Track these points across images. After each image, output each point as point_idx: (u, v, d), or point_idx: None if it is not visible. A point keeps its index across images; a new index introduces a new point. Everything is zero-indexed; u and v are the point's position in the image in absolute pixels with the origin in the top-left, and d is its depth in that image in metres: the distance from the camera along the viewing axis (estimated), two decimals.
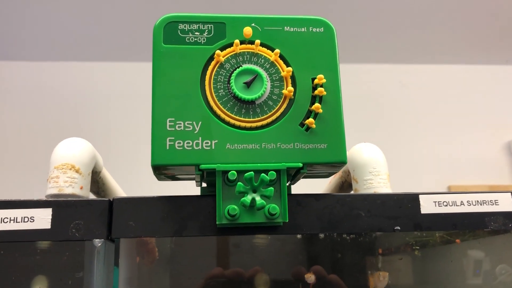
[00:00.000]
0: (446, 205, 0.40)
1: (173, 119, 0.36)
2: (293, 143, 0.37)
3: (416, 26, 1.45)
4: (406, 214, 0.40)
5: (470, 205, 0.41)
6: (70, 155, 0.41)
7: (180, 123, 0.36)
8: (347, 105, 0.41)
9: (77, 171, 0.41)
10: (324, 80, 0.38)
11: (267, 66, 0.38)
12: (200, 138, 0.36)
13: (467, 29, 1.48)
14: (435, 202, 0.40)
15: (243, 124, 0.37)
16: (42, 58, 1.50)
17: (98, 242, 0.36)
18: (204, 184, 0.41)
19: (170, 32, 0.38)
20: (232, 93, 0.37)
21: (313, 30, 0.39)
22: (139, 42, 1.40)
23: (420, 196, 0.41)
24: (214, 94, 0.37)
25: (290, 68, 0.38)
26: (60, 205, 0.37)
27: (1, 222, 0.36)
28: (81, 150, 0.42)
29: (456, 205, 0.41)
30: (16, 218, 0.36)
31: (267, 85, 0.37)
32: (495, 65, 1.73)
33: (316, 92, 0.38)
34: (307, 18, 0.39)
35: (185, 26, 0.38)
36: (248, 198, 0.34)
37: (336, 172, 0.41)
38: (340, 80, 0.39)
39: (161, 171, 0.37)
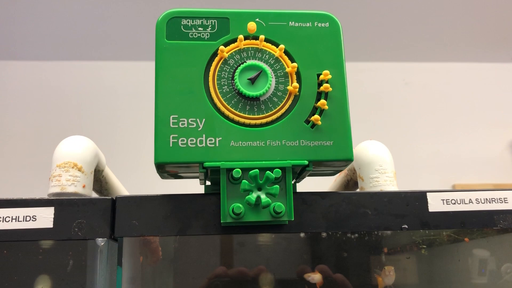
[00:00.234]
0: (454, 203, 0.40)
1: (177, 116, 0.35)
2: (299, 140, 0.36)
3: (419, 24, 1.44)
4: (413, 213, 0.39)
5: (479, 203, 0.40)
6: (72, 153, 0.41)
7: (184, 120, 0.35)
8: (349, 103, 0.41)
9: (79, 170, 0.40)
10: (330, 76, 0.37)
11: (272, 62, 0.37)
12: (204, 135, 0.35)
13: (471, 27, 1.47)
14: (443, 200, 0.40)
15: (247, 121, 0.36)
16: (45, 58, 1.50)
17: (101, 241, 0.36)
18: (208, 182, 0.40)
19: (173, 27, 0.37)
20: (236, 89, 0.36)
21: (319, 25, 0.39)
22: (142, 41, 1.40)
23: (428, 194, 0.40)
24: (218, 91, 0.36)
25: (295, 64, 0.37)
26: (63, 204, 0.36)
27: (3, 221, 0.35)
28: (84, 148, 0.42)
29: (465, 203, 0.40)
30: (18, 217, 0.35)
31: (272, 81, 0.37)
32: (499, 62, 1.72)
33: (321, 88, 0.37)
34: (312, 13, 0.39)
35: (188, 22, 0.37)
36: (253, 196, 0.34)
37: (342, 170, 0.40)
38: (346, 76, 0.38)
39: (165, 169, 0.36)
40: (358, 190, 0.49)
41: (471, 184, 1.66)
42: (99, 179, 0.47)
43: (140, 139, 1.36)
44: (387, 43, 1.56)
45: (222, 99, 0.36)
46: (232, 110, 0.36)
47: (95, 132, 1.39)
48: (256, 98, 0.36)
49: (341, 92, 0.38)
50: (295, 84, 0.37)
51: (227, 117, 0.36)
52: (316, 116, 0.36)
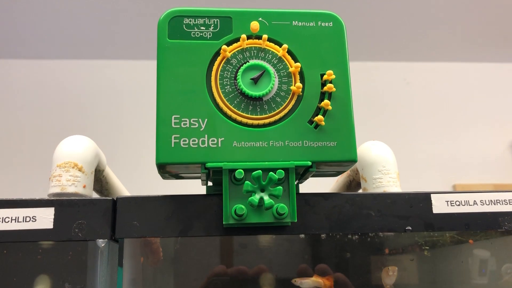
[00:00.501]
0: (459, 205, 0.39)
1: (178, 116, 0.35)
2: (302, 141, 0.36)
3: (421, 23, 1.44)
4: (417, 214, 0.39)
5: (483, 204, 0.40)
6: (73, 153, 0.40)
7: (186, 120, 0.35)
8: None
9: (80, 170, 0.40)
10: (334, 76, 0.37)
11: (275, 62, 0.37)
12: (206, 135, 0.35)
13: (472, 27, 1.46)
14: (447, 201, 0.39)
15: (250, 121, 0.36)
16: (45, 56, 1.49)
17: (101, 242, 0.35)
18: (209, 183, 0.40)
19: (175, 26, 0.37)
20: (239, 89, 0.36)
21: (322, 24, 0.38)
22: (144, 39, 1.39)
23: (432, 195, 0.40)
24: (220, 91, 0.36)
25: (298, 64, 0.37)
26: (63, 204, 0.36)
27: (2, 222, 0.35)
28: (84, 148, 0.41)
29: (469, 205, 0.39)
30: (18, 217, 0.35)
31: (275, 81, 0.36)
32: (500, 63, 1.71)
33: (325, 88, 0.37)
34: (315, 12, 0.38)
35: (190, 21, 0.37)
36: (256, 198, 0.33)
37: (345, 171, 0.40)
38: (350, 76, 0.38)
39: (166, 169, 0.36)
40: (360, 191, 0.49)
41: (471, 184, 1.65)
42: (100, 179, 0.47)
43: (141, 139, 1.36)
44: (388, 42, 1.55)
45: (224, 99, 0.36)
46: (235, 110, 0.36)
47: (96, 132, 1.39)
48: (259, 98, 0.36)
49: (345, 92, 0.37)
50: (299, 84, 0.36)
51: (229, 117, 0.36)
52: (320, 117, 0.36)
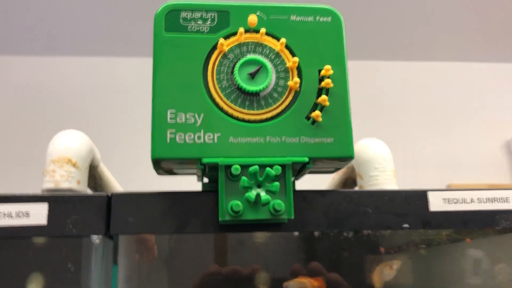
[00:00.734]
0: (456, 202, 0.39)
1: (174, 110, 0.35)
2: (299, 137, 0.35)
3: (417, 23, 1.44)
4: (414, 211, 0.39)
5: (481, 202, 0.39)
6: (67, 148, 0.40)
7: (181, 115, 0.35)
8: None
9: (74, 165, 0.39)
10: (331, 72, 0.36)
11: (272, 57, 0.37)
12: (202, 131, 0.35)
13: (467, 27, 1.47)
14: (444, 199, 0.39)
15: (247, 117, 0.35)
16: (39, 53, 1.48)
17: (96, 238, 0.35)
18: (205, 180, 0.39)
19: (172, 20, 0.36)
20: (235, 84, 0.36)
21: (320, 19, 0.38)
22: (137, 36, 1.38)
23: (429, 193, 0.39)
24: (217, 85, 0.35)
25: (296, 59, 0.36)
26: (57, 200, 0.35)
27: None
28: (78, 143, 0.41)
29: (466, 202, 0.39)
30: (11, 213, 0.34)
31: (272, 76, 0.36)
32: (496, 62, 1.72)
33: (322, 84, 0.36)
34: (314, 7, 0.38)
35: (187, 14, 0.37)
36: (252, 194, 0.33)
37: (342, 168, 0.39)
38: (348, 72, 0.37)
39: (161, 165, 0.35)
40: (357, 188, 0.49)
41: (465, 184, 1.66)
42: (94, 175, 0.46)
43: (136, 136, 1.35)
44: (383, 42, 1.55)
45: (221, 94, 0.35)
46: (231, 105, 0.35)
47: (89, 128, 1.38)
48: (256, 94, 0.36)
49: (342, 88, 0.37)
50: (296, 79, 0.36)
51: (226, 113, 0.35)
52: (317, 112, 0.35)
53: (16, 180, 1.28)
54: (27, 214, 0.34)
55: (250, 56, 0.36)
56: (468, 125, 1.69)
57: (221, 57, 0.36)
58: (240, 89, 0.35)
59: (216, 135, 0.35)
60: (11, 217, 0.34)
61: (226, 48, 0.36)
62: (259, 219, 0.34)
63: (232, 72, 0.36)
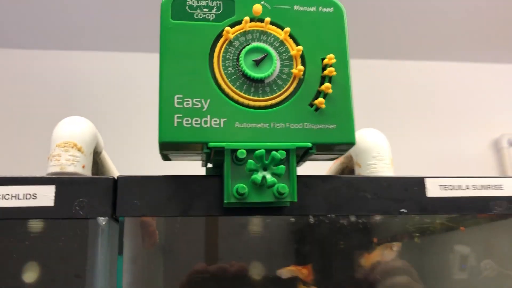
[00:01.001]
0: (452, 189, 0.41)
1: (181, 96, 0.35)
2: (303, 123, 0.36)
3: (406, 23, 1.46)
4: (411, 197, 0.40)
5: (475, 189, 0.41)
6: (72, 133, 0.40)
7: (188, 100, 0.35)
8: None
9: (79, 150, 0.40)
10: (334, 60, 0.37)
11: (277, 45, 0.38)
12: (208, 116, 0.35)
13: (454, 27, 1.49)
14: (440, 185, 0.40)
15: (252, 103, 0.36)
16: (44, 47, 1.48)
17: (102, 220, 0.35)
18: (209, 165, 0.40)
19: (178, 7, 0.37)
20: (241, 71, 0.36)
21: (323, 10, 0.39)
22: (135, 31, 1.38)
23: (426, 179, 0.41)
24: (223, 72, 0.36)
25: (300, 47, 0.37)
26: (64, 182, 0.36)
27: (2, 199, 0.35)
28: (83, 128, 0.41)
29: (462, 189, 0.41)
30: (18, 195, 0.35)
31: (277, 63, 0.37)
32: (483, 63, 1.75)
33: (325, 72, 0.37)
34: None
35: (193, 2, 0.37)
36: (259, 176, 0.34)
37: (343, 154, 0.40)
38: (349, 61, 0.38)
39: (168, 148, 0.36)
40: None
41: None
42: (96, 162, 0.47)
43: (138, 123, 1.36)
44: (374, 40, 1.57)
45: (227, 80, 0.36)
46: (237, 91, 0.36)
47: (93, 116, 1.37)
48: (261, 80, 0.37)
49: (344, 76, 0.38)
50: (300, 67, 0.37)
51: (231, 98, 0.36)
52: (320, 99, 0.36)
53: (20, 165, 1.28)
54: (34, 196, 0.35)
55: (255, 44, 0.37)
56: (456, 124, 1.72)
57: (227, 44, 0.37)
58: (245, 75, 0.36)
59: (222, 120, 0.35)
60: (19, 198, 0.35)
61: (231, 36, 0.37)
62: (263, 202, 0.35)
63: (238, 59, 0.37)
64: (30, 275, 0.37)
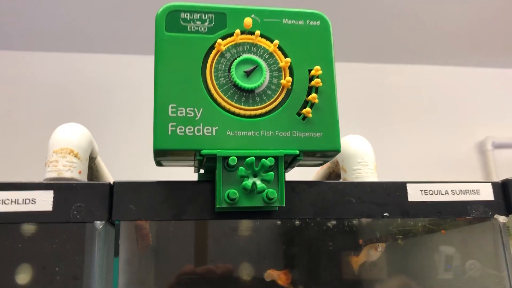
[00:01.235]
0: (432, 194, 0.43)
1: (175, 105, 0.37)
2: (291, 131, 0.38)
3: (392, 27, 1.49)
4: (394, 202, 0.42)
5: (454, 194, 0.43)
6: (69, 139, 0.42)
7: (182, 109, 0.37)
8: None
9: (75, 156, 0.41)
10: (321, 72, 0.39)
11: (266, 57, 0.39)
12: (201, 124, 0.37)
13: (439, 32, 1.52)
14: (421, 190, 0.43)
15: (242, 112, 0.38)
16: (42, 49, 1.48)
17: (99, 224, 0.37)
18: (201, 171, 0.42)
19: (172, 20, 0.39)
20: (232, 81, 0.38)
21: (310, 23, 0.41)
22: (133, 34, 1.40)
23: (408, 184, 0.43)
24: (215, 82, 0.38)
25: (288, 59, 0.39)
26: (62, 188, 0.37)
27: (2, 204, 0.36)
28: (80, 135, 0.43)
29: (441, 194, 0.43)
30: (18, 199, 0.36)
31: (266, 74, 0.39)
32: (468, 66, 1.78)
33: (312, 83, 0.39)
34: (304, 12, 0.41)
35: (186, 15, 0.39)
36: (249, 182, 0.36)
37: (329, 161, 0.42)
38: (335, 72, 0.40)
39: (163, 155, 0.38)
40: (340, 181, 0.52)
41: None
42: (91, 167, 0.48)
43: (133, 131, 1.37)
44: (357, 44, 1.60)
45: (219, 90, 0.38)
46: (228, 101, 0.38)
47: (88, 122, 1.38)
48: (251, 91, 0.38)
49: (330, 87, 0.40)
50: (288, 78, 0.39)
51: (223, 108, 0.38)
52: (307, 109, 0.38)
53: (18, 171, 1.29)
54: (33, 201, 0.36)
55: (245, 55, 0.39)
56: (441, 127, 1.74)
57: (219, 56, 0.39)
58: (236, 86, 0.38)
59: (214, 129, 0.37)
60: (19, 203, 0.36)
61: (223, 48, 0.39)
62: (253, 207, 0.37)
63: (229, 70, 0.38)
64: (24, 276, 0.38)
